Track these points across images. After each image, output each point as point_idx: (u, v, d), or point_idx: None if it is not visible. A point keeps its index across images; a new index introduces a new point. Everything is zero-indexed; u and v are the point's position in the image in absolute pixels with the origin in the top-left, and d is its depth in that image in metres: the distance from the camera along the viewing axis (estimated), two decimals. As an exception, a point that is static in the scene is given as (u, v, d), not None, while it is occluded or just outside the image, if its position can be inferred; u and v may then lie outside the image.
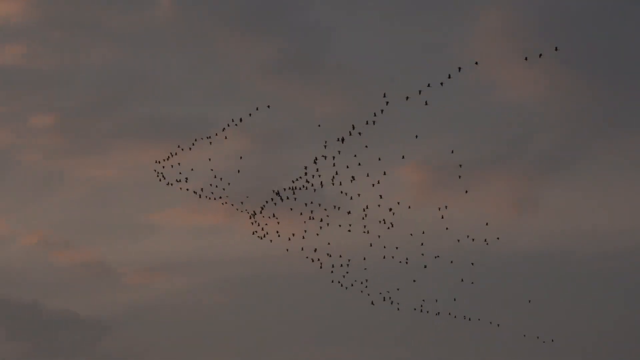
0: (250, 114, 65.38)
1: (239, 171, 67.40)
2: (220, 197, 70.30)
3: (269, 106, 65.67)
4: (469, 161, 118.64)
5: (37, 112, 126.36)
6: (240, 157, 67.66)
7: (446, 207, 67.31)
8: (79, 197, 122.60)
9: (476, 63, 53.20)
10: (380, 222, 68.05)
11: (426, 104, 56.86)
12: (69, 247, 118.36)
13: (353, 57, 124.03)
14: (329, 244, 69.87)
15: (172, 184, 72.39)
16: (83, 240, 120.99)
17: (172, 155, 70.87)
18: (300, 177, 66.57)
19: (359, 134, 61.21)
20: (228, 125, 66.82)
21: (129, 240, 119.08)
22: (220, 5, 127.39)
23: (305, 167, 65.61)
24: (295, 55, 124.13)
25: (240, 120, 66.25)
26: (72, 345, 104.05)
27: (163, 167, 72.09)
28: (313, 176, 65.93)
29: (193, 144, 69.88)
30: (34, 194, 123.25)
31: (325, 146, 62.56)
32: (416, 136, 61.37)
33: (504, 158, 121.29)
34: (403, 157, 65.18)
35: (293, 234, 70.51)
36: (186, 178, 72.08)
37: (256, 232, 69.84)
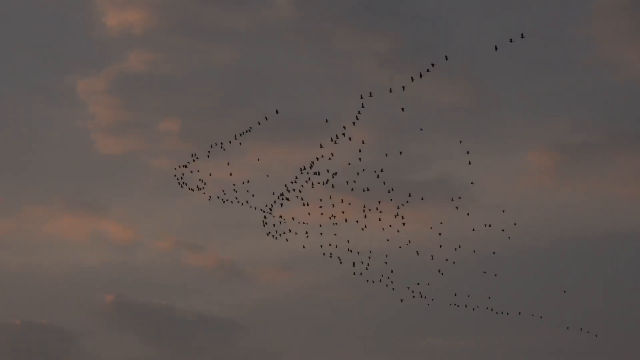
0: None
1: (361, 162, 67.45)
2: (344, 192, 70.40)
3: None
4: (594, 142, 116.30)
5: (163, 118, 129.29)
6: (360, 151, 67.78)
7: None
8: (207, 199, 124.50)
9: (522, 36, 51.64)
10: (501, 207, 67.22)
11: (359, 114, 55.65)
12: (200, 249, 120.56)
13: (469, 46, 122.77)
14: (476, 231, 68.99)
15: (193, 190, 72.94)
16: (213, 242, 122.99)
17: (193, 160, 71.35)
18: (293, 182, 66.26)
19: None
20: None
21: (258, 240, 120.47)
22: (335, 0, 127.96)
23: (303, 167, 65.36)
24: (413, 47, 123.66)
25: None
26: (208, 346, 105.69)
27: (182, 173, 72.65)
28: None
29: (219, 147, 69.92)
30: (164, 198, 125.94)
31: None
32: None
33: (630, 137, 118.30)
34: (529, 140, 63.94)
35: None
36: (204, 184, 72.31)
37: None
